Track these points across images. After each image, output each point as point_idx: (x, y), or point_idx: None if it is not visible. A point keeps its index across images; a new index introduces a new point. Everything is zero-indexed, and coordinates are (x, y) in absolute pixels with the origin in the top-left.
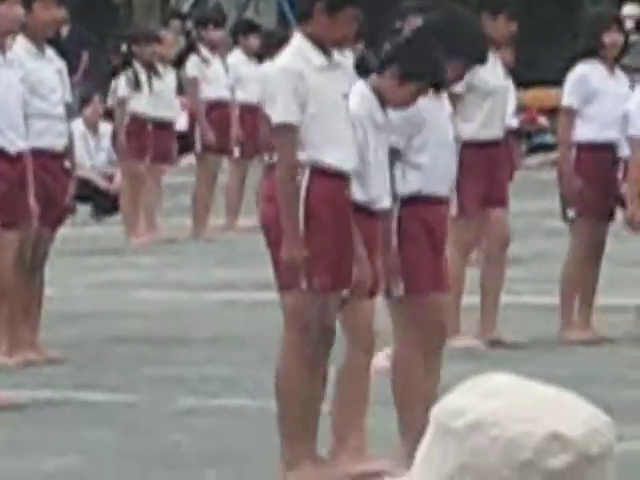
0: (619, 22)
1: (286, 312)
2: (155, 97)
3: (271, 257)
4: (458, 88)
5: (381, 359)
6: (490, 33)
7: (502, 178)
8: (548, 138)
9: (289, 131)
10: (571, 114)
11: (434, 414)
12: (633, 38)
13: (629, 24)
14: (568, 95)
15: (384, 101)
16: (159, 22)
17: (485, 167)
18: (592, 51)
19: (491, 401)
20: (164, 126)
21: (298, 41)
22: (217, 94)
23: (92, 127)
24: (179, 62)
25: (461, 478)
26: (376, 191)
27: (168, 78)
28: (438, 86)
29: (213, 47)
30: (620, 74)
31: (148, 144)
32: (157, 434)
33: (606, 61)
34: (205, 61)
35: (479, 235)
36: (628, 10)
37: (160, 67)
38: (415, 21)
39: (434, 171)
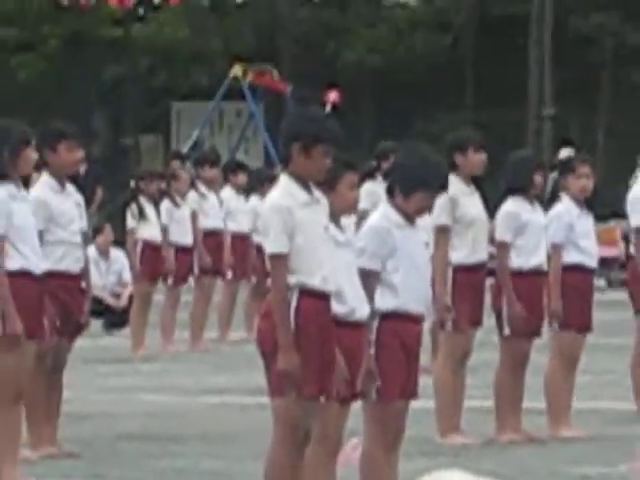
0: (542, 166)
1: (276, 414)
2: (176, 225)
3: (265, 367)
4: (443, 220)
5: (348, 450)
6: (466, 168)
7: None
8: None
9: (281, 260)
10: (506, 247)
11: None
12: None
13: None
14: (503, 230)
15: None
16: (162, 162)
17: (474, 289)
18: (520, 189)
19: None
20: (184, 250)
21: (284, 181)
22: (212, 224)
23: (104, 253)
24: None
25: None
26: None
27: (185, 209)
28: (443, 187)
29: (209, 184)
30: (538, 207)
31: (159, 267)
32: None
33: (529, 197)
34: (202, 196)
35: (470, 348)
36: (564, 153)
37: (178, 199)
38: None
39: (407, 291)
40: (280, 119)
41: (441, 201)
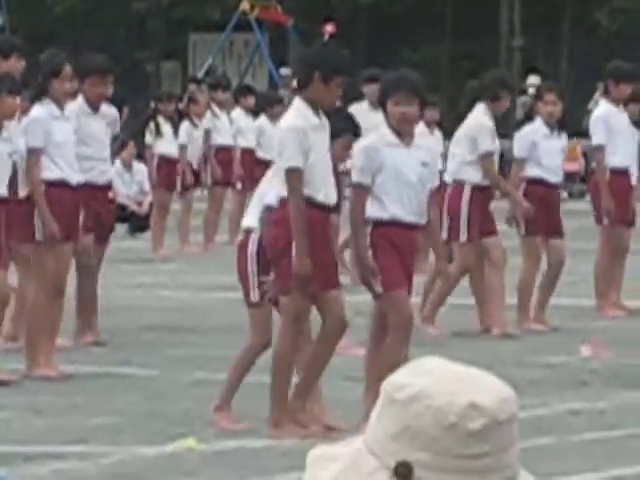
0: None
1: (283, 308)
2: (193, 143)
3: (274, 267)
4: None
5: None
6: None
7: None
8: None
9: (297, 173)
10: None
11: (384, 387)
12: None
13: (531, 91)
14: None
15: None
16: (180, 86)
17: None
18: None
19: (426, 378)
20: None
21: (299, 104)
22: (224, 141)
23: (128, 165)
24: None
25: (403, 437)
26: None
27: (202, 130)
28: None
29: (221, 105)
30: None
31: (174, 178)
32: (174, 400)
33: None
34: (215, 116)
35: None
36: (531, 80)
37: (196, 120)
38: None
39: (394, 203)
40: (282, 48)
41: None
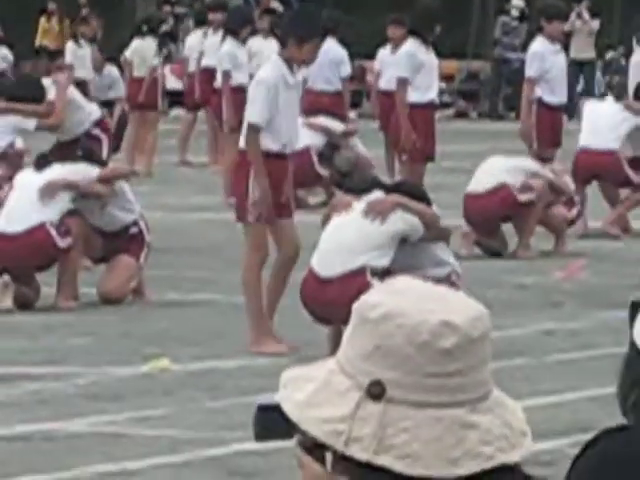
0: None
1: (246, 236)
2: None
3: (238, 219)
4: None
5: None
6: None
7: None
8: None
9: (257, 129)
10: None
11: (355, 307)
12: (514, 24)
13: (514, 13)
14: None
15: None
16: (155, 6)
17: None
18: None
19: (397, 297)
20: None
21: (277, 62)
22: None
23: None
24: (171, 36)
25: (375, 356)
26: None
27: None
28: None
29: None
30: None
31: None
32: (150, 320)
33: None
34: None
35: None
36: (515, 2)
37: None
38: None
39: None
40: None
41: None
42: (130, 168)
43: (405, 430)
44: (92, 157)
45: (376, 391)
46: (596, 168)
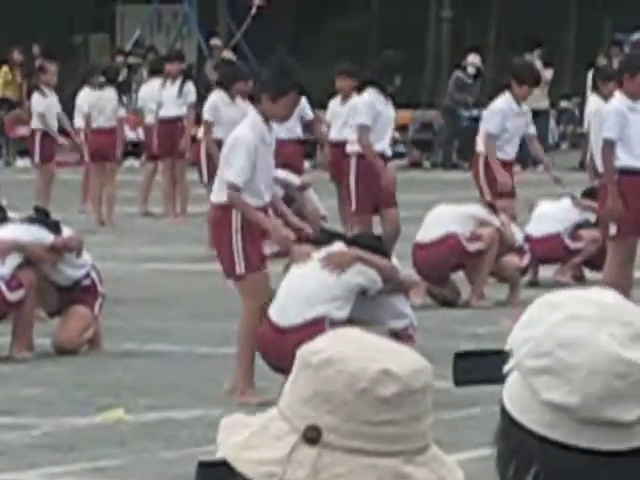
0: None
1: (244, 289)
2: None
3: (227, 275)
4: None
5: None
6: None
7: None
8: None
9: (239, 190)
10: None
11: (299, 353)
12: (469, 81)
13: (471, 70)
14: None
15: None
16: (109, 58)
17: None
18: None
19: (341, 344)
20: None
21: (254, 118)
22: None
23: None
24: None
25: (314, 401)
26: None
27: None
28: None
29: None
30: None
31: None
32: (104, 370)
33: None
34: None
35: None
36: (471, 59)
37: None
38: None
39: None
40: (212, 20)
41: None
42: (81, 241)
43: (338, 476)
44: (47, 222)
45: (312, 435)
46: (541, 254)
